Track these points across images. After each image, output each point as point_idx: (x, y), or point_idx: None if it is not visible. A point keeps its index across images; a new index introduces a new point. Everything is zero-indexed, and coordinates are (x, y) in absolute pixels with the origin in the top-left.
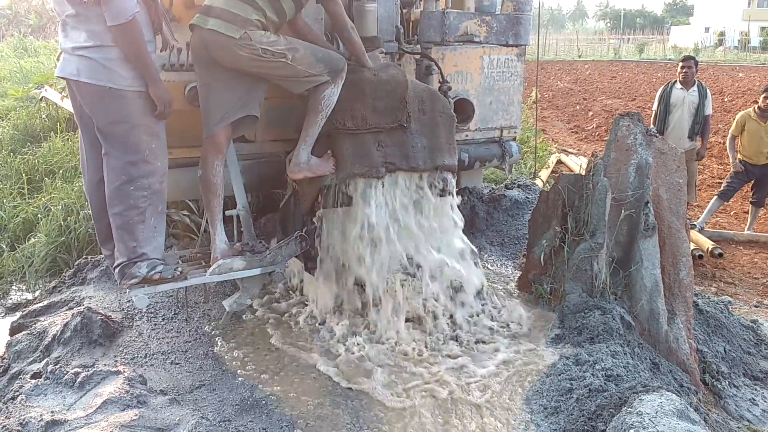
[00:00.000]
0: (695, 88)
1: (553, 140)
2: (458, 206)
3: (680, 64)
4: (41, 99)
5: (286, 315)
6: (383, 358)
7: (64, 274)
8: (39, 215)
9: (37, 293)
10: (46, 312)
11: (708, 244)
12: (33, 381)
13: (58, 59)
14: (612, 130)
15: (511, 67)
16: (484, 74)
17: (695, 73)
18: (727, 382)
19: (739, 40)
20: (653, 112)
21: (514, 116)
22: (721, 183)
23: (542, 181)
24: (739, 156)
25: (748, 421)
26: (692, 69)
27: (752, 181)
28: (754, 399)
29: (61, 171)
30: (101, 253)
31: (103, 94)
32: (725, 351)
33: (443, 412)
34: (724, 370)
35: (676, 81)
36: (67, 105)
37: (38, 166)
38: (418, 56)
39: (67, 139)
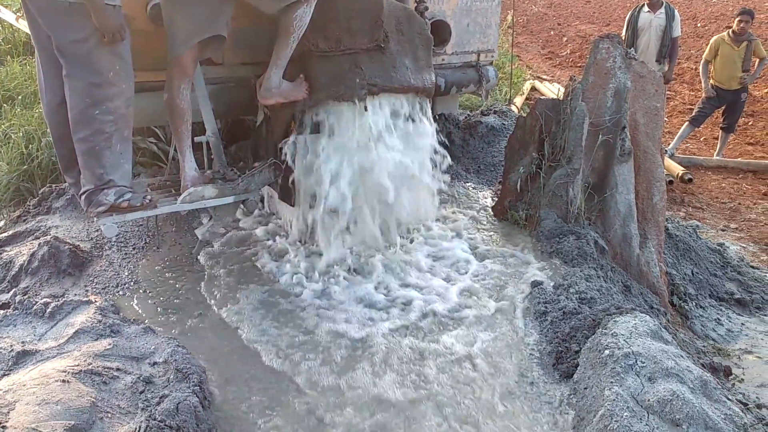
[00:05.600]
0: (663, 10)
1: (527, 66)
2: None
3: None
4: None
5: (261, 240)
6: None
7: (28, 203)
8: None
9: (1, 223)
10: (12, 242)
11: (678, 169)
12: (1, 312)
13: None
14: (591, 53)
15: None
16: None
17: None
18: (694, 304)
19: None
20: (623, 38)
21: (492, 39)
22: (692, 109)
23: (517, 107)
24: (711, 81)
25: (713, 340)
26: None
27: (723, 107)
28: (719, 319)
29: (20, 97)
30: (65, 182)
31: (63, 10)
32: (693, 273)
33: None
34: (691, 292)
35: (643, 5)
36: (23, 26)
37: None
38: None
39: (25, 63)
